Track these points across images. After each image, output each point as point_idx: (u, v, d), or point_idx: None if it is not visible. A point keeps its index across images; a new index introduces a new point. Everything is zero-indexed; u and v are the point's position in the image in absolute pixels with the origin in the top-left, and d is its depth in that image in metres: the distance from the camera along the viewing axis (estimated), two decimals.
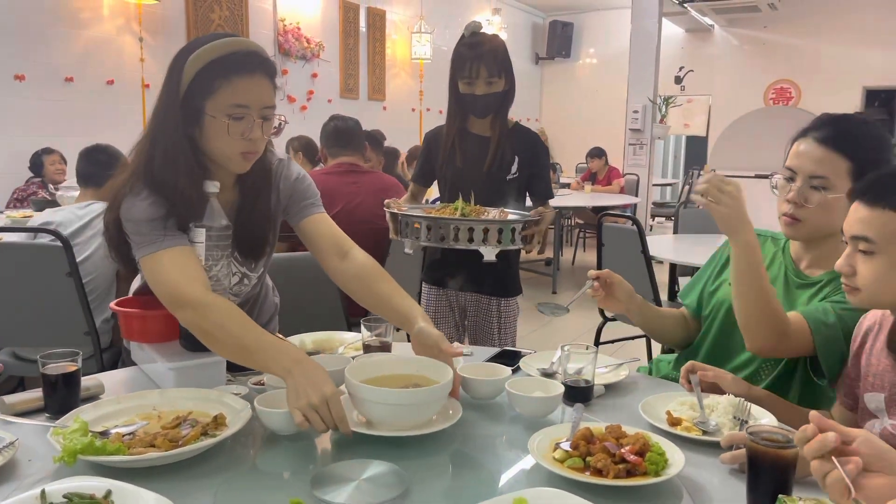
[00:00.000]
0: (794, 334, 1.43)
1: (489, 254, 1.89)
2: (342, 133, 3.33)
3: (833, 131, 1.50)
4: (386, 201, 2.08)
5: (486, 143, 2.33)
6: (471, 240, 1.87)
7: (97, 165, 3.01)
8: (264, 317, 1.85)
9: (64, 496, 0.95)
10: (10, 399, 1.33)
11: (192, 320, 1.35)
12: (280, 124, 1.50)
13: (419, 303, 3.69)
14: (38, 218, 3.01)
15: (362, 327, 1.66)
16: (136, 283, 1.75)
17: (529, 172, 2.36)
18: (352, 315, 2.61)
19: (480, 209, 1.99)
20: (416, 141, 7.91)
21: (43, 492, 0.95)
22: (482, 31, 2.29)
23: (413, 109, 9.22)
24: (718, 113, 10.61)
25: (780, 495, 0.98)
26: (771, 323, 1.43)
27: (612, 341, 4.11)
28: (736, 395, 1.36)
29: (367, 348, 1.63)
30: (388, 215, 2.05)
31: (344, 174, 3.24)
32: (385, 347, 1.63)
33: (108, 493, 0.96)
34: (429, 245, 2.02)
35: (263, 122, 1.44)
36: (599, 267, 3.87)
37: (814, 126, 1.54)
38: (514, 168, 2.33)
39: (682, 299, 1.83)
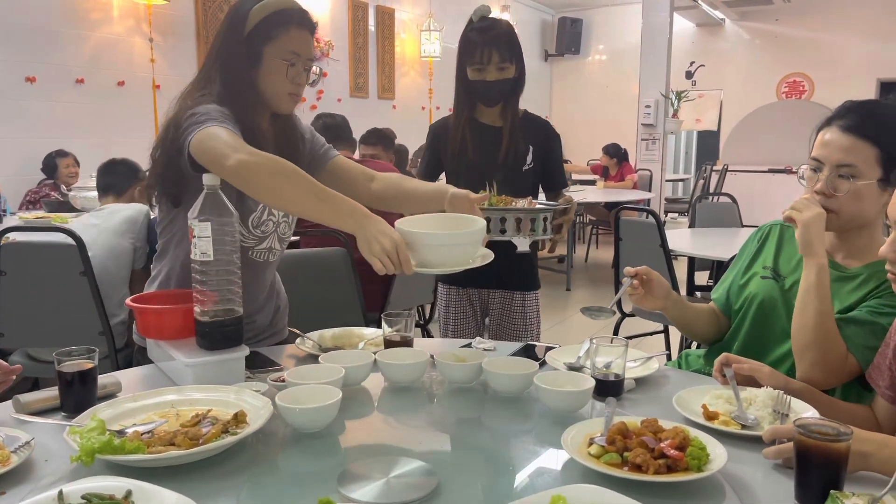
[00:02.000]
0: (844, 367, 1.41)
1: (522, 245, 1.84)
2: (331, 129, 3.34)
3: (858, 118, 1.46)
4: None
5: (498, 133, 2.25)
6: (503, 230, 1.82)
7: (117, 176, 3.13)
8: (282, 304, 1.88)
9: (83, 497, 0.91)
10: (25, 398, 1.29)
11: (256, 161, 1.37)
12: (317, 77, 1.67)
13: (435, 303, 3.67)
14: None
15: (383, 322, 1.62)
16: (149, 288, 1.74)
17: (543, 162, 2.30)
18: (369, 310, 2.58)
19: (508, 199, 1.93)
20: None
21: (60, 493, 0.91)
22: (491, 15, 2.21)
23: (423, 108, 9.19)
24: (730, 107, 10.53)
25: (831, 491, 0.94)
26: (825, 349, 1.41)
27: (631, 337, 4.05)
28: (774, 388, 1.31)
29: (388, 343, 1.59)
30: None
31: None
32: (406, 342, 1.59)
33: (129, 493, 0.93)
34: None
35: (305, 72, 1.63)
36: (617, 262, 3.83)
37: (838, 114, 1.50)
38: (529, 158, 2.26)
39: (712, 295, 1.79)
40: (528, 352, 1.63)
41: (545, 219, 1.88)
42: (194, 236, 1.37)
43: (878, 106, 1.51)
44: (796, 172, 1.58)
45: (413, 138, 7.22)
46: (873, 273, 1.48)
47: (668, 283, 1.64)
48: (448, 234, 1.43)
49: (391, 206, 1.77)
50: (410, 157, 6.36)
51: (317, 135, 1.82)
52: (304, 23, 1.62)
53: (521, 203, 1.98)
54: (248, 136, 1.50)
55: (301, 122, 1.80)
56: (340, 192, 1.43)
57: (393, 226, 1.37)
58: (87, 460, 1.02)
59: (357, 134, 4.59)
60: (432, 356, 1.48)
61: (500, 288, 2.37)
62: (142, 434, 1.12)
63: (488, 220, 1.84)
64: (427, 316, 3.71)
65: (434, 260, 1.38)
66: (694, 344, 2.85)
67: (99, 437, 1.05)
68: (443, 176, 2.39)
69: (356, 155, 4.61)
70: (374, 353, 1.48)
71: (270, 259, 1.76)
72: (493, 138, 2.26)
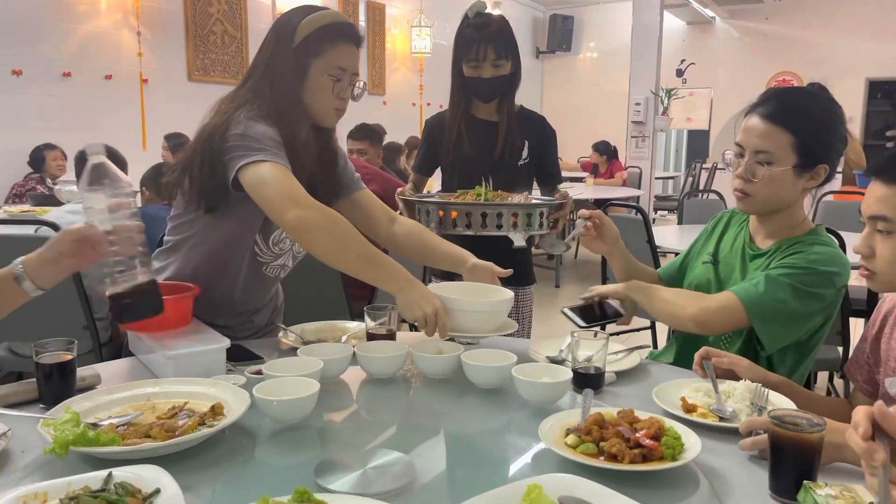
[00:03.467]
0: (722, 311, 1.51)
1: (518, 240, 1.85)
2: None
3: (776, 106, 1.51)
4: (399, 189, 2.05)
5: (494, 128, 2.26)
6: (499, 225, 1.83)
7: None
8: (279, 303, 1.89)
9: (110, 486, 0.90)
10: (3, 390, 1.28)
11: (315, 222, 1.42)
12: (360, 91, 1.66)
13: None
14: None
15: (366, 316, 1.61)
16: None
17: (539, 157, 2.31)
18: (356, 301, 2.57)
19: (504, 194, 1.94)
20: (416, 134, 7.86)
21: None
22: (486, 11, 2.22)
23: (413, 104, 9.17)
24: (720, 106, 10.57)
25: (804, 481, 0.94)
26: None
27: (618, 333, 4.06)
28: (752, 381, 1.31)
29: (371, 336, 1.58)
30: (401, 204, 2.01)
31: None
32: (390, 335, 1.58)
33: (157, 490, 0.92)
34: (452, 233, 1.96)
35: (350, 87, 1.62)
36: (604, 263, 3.83)
37: (759, 102, 1.55)
38: (525, 153, 2.27)
39: (659, 271, 1.88)
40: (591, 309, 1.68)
41: (541, 214, 1.89)
42: (86, 207, 1.28)
43: (797, 94, 1.56)
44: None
45: (403, 134, 7.22)
46: (780, 247, 1.56)
47: (617, 231, 1.73)
48: (489, 301, 1.55)
49: (408, 255, 1.80)
50: (404, 153, 6.35)
51: (349, 161, 1.82)
52: (353, 38, 1.61)
53: (517, 198, 1.99)
54: (291, 151, 1.52)
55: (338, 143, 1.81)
56: (357, 226, 1.49)
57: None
58: (62, 452, 1.01)
59: (346, 130, 4.59)
60: (411, 351, 1.48)
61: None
62: (117, 426, 1.12)
63: (484, 214, 1.86)
64: None
65: (469, 326, 1.48)
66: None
67: (73, 429, 1.04)
68: (438, 179, 2.40)
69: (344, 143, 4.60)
70: (354, 346, 1.48)
71: (282, 275, 1.77)
72: (489, 133, 2.26)
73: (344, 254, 1.45)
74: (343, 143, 4.62)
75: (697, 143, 11.65)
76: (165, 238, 1.69)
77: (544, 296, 6.19)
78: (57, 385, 1.27)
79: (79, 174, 3.12)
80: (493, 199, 1.99)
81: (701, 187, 8.13)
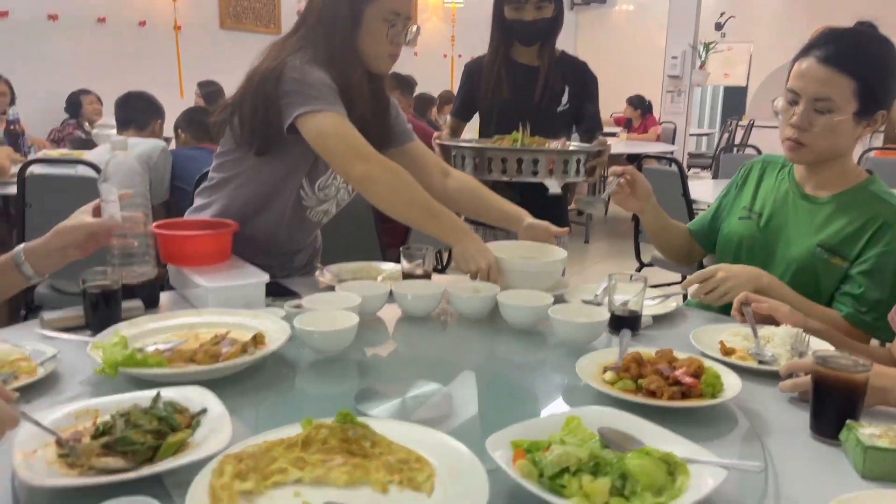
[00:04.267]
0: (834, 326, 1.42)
1: (554, 186, 1.84)
2: None
3: (837, 49, 1.42)
4: (435, 134, 2.04)
5: (534, 73, 2.23)
6: (535, 172, 1.82)
7: (135, 111, 3.14)
8: (318, 245, 1.91)
9: (157, 405, 0.93)
10: (50, 315, 1.32)
11: (380, 176, 1.46)
12: (413, 36, 1.63)
13: (443, 256, 3.67)
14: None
15: (401, 256, 1.62)
16: None
17: (579, 104, 2.27)
18: (388, 247, 2.59)
19: (541, 140, 1.92)
20: (447, 87, 7.78)
21: (158, 394, 0.95)
22: None
23: (445, 55, 9.04)
24: (760, 62, 10.24)
25: (847, 421, 0.93)
26: None
27: (655, 286, 4.04)
28: (793, 327, 1.30)
29: (407, 277, 1.59)
30: (437, 149, 2.00)
31: None
32: (425, 276, 1.59)
33: (203, 409, 0.94)
34: (488, 179, 1.95)
35: (405, 30, 1.60)
36: (637, 219, 3.79)
37: (816, 43, 1.45)
38: (565, 99, 2.24)
39: (689, 226, 1.82)
40: None
41: (578, 161, 1.86)
42: (102, 200, 1.35)
43: (858, 36, 1.47)
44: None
45: (433, 86, 7.13)
46: (842, 203, 1.49)
47: (650, 187, 1.67)
48: (540, 263, 1.55)
49: (461, 209, 1.79)
50: (435, 105, 6.29)
51: (400, 112, 1.81)
52: None
53: (554, 145, 1.97)
54: (345, 97, 1.51)
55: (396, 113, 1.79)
56: None
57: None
58: (111, 372, 1.04)
59: None
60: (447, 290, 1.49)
61: None
62: (162, 352, 1.14)
63: (520, 160, 1.84)
64: (445, 262, 3.72)
65: (520, 285, 1.47)
66: None
67: (122, 351, 1.07)
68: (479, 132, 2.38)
69: None
70: (390, 285, 1.49)
71: (324, 220, 1.78)
72: (529, 78, 2.24)
73: (407, 206, 1.48)
74: None
75: (734, 99, 11.34)
76: (210, 174, 1.70)
77: (574, 251, 6.15)
78: (103, 313, 1.30)
79: (118, 119, 3.17)
80: (530, 144, 1.96)
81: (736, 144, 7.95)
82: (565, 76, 2.24)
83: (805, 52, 1.47)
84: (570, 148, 1.94)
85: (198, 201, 1.72)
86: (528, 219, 1.69)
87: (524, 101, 2.22)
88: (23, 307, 2.69)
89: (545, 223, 1.68)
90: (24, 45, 5.02)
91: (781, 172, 1.65)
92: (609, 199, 1.71)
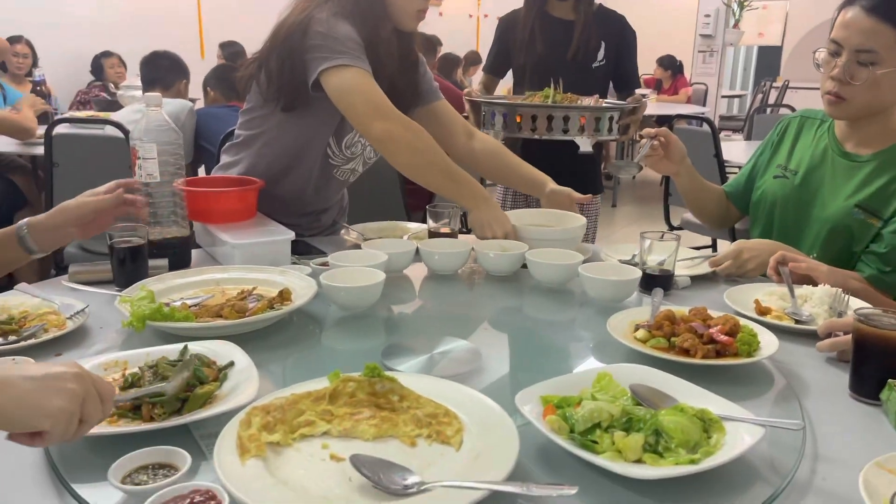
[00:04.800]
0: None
1: (585, 145, 1.79)
2: None
3: None
4: (466, 90, 2.00)
5: (570, 27, 2.18)
6: (566, 129, 1.77)
7: (160, 70, 3.13)
8: (344, 204, 1.90)
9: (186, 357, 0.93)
10: (77, 268, 1.33)
11: (400, 135, 1.43)
12: None
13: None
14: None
15: (427, 216, 1.60)
16: None
17: (616, 60, 2.21)
18: (412, 209, 2.57)
19: (573, 97, 1.87)
20: (472, 47, 7.66)
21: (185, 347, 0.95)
22: None
23: (470, 15, 8.89)
24: (796, 20, 9.89)
25: (889, 380, 0.90)
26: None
27: (697, 247, 3.99)
28: (832, 287, 1.26)
29: (432, 235, 1.57)
30: (468, 105, 1.96)
31: None
32: (450, 234, 1.57)
33: (231, 362, 0.94)
34: (517, 136, 1.91)
35: None
36: (667, 177, 3.72)
37: None
38: (601, 55, 2.18)
39: (724, 187, 1.77)
40: None
41: (611, 118, 1.81)
42: (139, 157, 1.35)
43: None
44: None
45: (458, 46, 7.03)
46: (885, 161, 1.43)
47: (685, 149, 1.63)
48: (559, 230, 1.53)
49: (484, 173, 1.80)
50: (461, 66, 6.20)
51: (428, 70, 1.77)
52: None
53: (587, 101, 1.92)
54: (372, 53, 1.48)
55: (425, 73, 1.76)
56: (434, 137, 1.48)
57: None
58: (139, 325, 1.04)
59: None
60: (473, 248, 1.47)
61: None
62: (189, 306, 1.14)
63: (550, 117, 1.80)
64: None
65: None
66: None
67: (149, 304, 1.07)
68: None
69: None
70: (416, 243, 1.47)
71: (351, 179, 1.76)
72: (564, 32, 2.19)
73: (426, 168, 1.47)
74: None
75: (768, 60, 11.00)
76: (237, 132, 1.69)
77: (602, 215, 6.08)
78: (130, 269, 1.30)
79: (143, 78, 3.16)
80: (562, 101, 1.91)
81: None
82: (602, 31, 2.18)
83: (849, 1, 1.40)
84: (603, 105, 1.88)
85: (224, 159, 1.71)
86: (551, 185, 1.66)
87: (558, 56, 2.17)
88: (52, 267, 2.73)
89: (567, 190, 1.65)
90: (48, 6, 5.01)
91: (820, 129, 1.58)
92: (642, 162, 1.66)
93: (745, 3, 7.39)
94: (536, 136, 1.91)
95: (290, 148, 1.61)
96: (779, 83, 8.82)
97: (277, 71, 1.51)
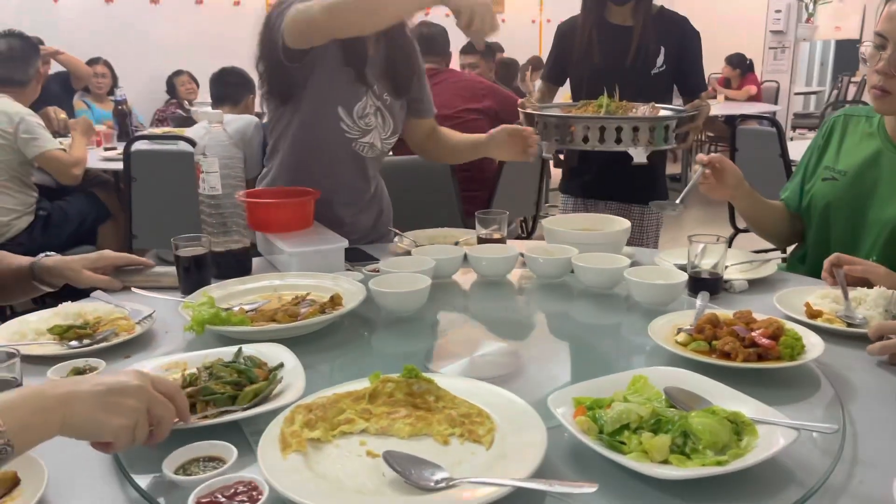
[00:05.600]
0: None
1: (639, 155, 1.73)
2: (425, 39, 3.30)
3: None
4: (520, 101, 1.99)
5: (628, 33, 2.11)
6: (619, 140, 1.72)
7: (229, 87, 3.25)
8: (385, 208, 1.95)
9: (240, 360, 0.99)
10: (140, 277, 1.42)
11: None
12: None
13: (538, 215, 3.64)
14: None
15: (477, 221, 1.63)
16: None
17: (678, 64, 2.13)
18: (467, 215, 2.60)
19: (628, 105, 1.83)
20: (535, 52, 7.65)
21: (240, 349, 1.02)
22: None
23: (533, 21, 8.87)
24: (874, 13, 9.47)
25: None
26: None
27: (756, 250, 3.88)
28: (889, 289, 1.22)
29: (482, 241, 1.60)
30: (521, 116, 1.93)
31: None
32: (499, 241, 1.59)
33: (280, 364, 1.00)
34: (570, 147, 1.89)
35: None
36: None
37: None
38: (661, 60, 2.11)
39: (781, 194, 1.70)
40: None
41: (666, 127, 1.74)
42: (202, 171, 1.43)
43: None
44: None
45: (521, 52, 7.03)
46: None
47: (740, 172, 1.55)
48: (602, 234, 1.56)
49: (441, 158, 1.96)
50: (527, 71, 6.20)
51: (426, 85, 1.86)
52: None
53: (643, 110, 1.86)
54: (353, 44, 1.58)
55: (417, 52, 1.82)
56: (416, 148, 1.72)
57: None
58: (199, 329, 1.11)
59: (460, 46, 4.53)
60: (522, 254, 1.49)
61: (623, 201, 2.27)
62: (246, 311, 1.21)
63: (602, 128, 1.75)
64: (530, 229, 3.70)
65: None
66: None
67: (209, 310, 1.14)
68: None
69: (455, 65, 4.55)
70: (465, 249, 1.50)
71: (371, 154, 1.78)
72: (623, 39, 2.12)
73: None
74: (455, 59, 4.59)
75: (846, 54, 10.54)
76: (268, 147, 1.79)
77: (668, 218, 5.95)
78: (194, 275, 1.39)
79: (213, 95, 3.31)
80: (616, 110, 1.86)
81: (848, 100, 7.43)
82: (661, 35, 2.11)
83: None
84: (660, 114, 1.81)
85: (263, 171, 1.81)
86: (486, 136, 1.73)
87: (617, 64, 2.11)
88: None
89: (507, 128, 1.72)
90: (128, 29, 5.30)
91: (867, 125, 1.53)
92: (686, 199, 1.59)
93: None
94: (588, 148, 1.83)
95: (307, 131, 1.68)
96: (857, 78, 8.45)
97: (264, 62, 1.61)
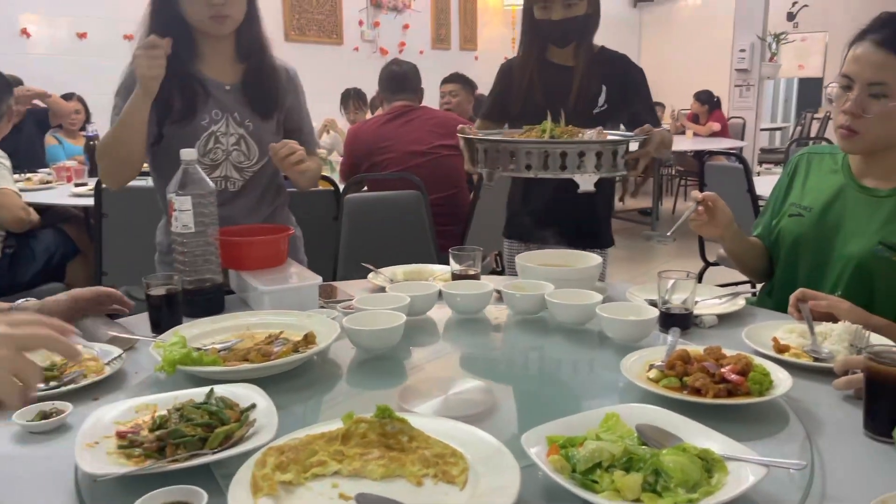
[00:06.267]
0: None
1: (586, 183, 1.65)
2: (397, 77, 3.36)
3: (893, 31, 1.36)
4: (460, 127, 1.83)
5: (569, 73, 2.07)
6: (563, 166, 1.63)
7: None
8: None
9: (208, 402, 0.98)
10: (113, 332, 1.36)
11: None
12: None
13: (502, 259, 3.64)
14: None
15: (451, 258, 1.64)
16: None
17: (622, 103, 2.09)
18: (441, 250, 2.62)
19: (574, 130, 1.75)
20: None
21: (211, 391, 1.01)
22: None
23: (505, 58, 8.95)
24: (836, 51, 9.78)
25: None
26: None
27: (723, 285, 3.93)
28: (853, 323, 1.25)
29: (455, 277, 1.61)
30: (462, 142, 1.79)
31: (398, 117, 3.23)
32: (473, 277, 1.61)
33: (252, 405, 0.99)
34: (513, 175, 1.74)
35: None
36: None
37: (872, 27, 1.40)
38: (602, 100, 2.07)
39: (752, 230, 1.73)
40: None
41: (615, 153, 1.66)
42: (175, 209, 1.43)
43: None
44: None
45: None
46: None
47: (731, 214, 1.56)
48: (573, 270, 1.58)
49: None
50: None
51: (307, 112, 1.90)
52: None
53: (590, 134, 1.76)
54: (187, 92, 1.69)
55: (296, 82, 1.86)
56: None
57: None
58: (169, 370, 1.10)
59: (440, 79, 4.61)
60: (498, 291, 1.50)
61: (568, 245, 2.05)
62: (219, 350, 1.20)
63: (546, 154, 1.62)
64: (504, 263, 3.71)
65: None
66: None
67: (180, 350, 1.13)
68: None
69: (436, 95, 4.62)
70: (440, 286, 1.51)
71: (230, 188, 1.77)
72: (563, 80, 2.07)
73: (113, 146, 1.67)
74: (436, 90, 4.66)
75: (809, 91, 10.89)
76: None
77: (639, 252, 6.04)
78: (165, 315, 1.38)
79: None
80: (561, 135, 1.73)
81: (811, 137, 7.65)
82: (603, 74, 2.07)
83: (860, 36, 1.42)
84: (608, 137, 1.70)
85: None
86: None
87: (558, 105, 1.97)
88: None
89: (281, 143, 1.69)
90: (100, 64, 5.29)
91: (831, 162, 1.58)
92: (676, 233, 1.59)
93: (782, 37, 7.35)
94: (531, 175, 1.65)
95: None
96: (820, 115, 8.72)
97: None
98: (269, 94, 1.78)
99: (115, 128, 1.66)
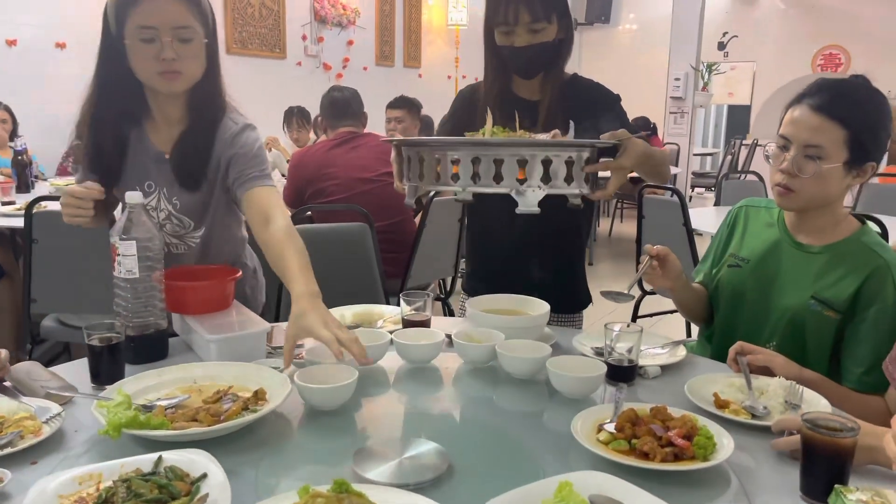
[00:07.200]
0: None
1: (527, 202, 1.29)
2: (338, 103, 3.38)
3: (829, 97, 1.45)
4: (391, 137, 1.72)
5: (535, 108, 1.76)
6: (498, 177, 1.27)
7: None
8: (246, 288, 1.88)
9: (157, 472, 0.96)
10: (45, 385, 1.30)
11: None
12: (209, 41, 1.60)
13: (456, 276, 3.63)
14: None
15: (401, 301, 1.64)
16: None
17: (595, 133, 1.59)
18: (388, 276, 2.62)
19: (524, 134, 1.45)
20: None
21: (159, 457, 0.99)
22: None
23: (449, 77, 9.11)
24: (763, 80, 10.28)
25: (836, 485, 0.95)
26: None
27: (651, 315, 4.06)
28: (787, 378, 1.31)
29: (406, 323, 1.61)
30: (392, 154, 1.52)
31: (344, 143, 3.26)
32: (424, 322, 1.61)
33: (204, 474, 0.97)
34: (437, 188, 1.44)
35: (179, 42, 1.52)
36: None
37: (809, 92, 1.48)
38: (570, 136, 1.63)
39: (694, 276, 1.78)
40: None
41: (569, 161, 1.30)
42: (118, 254, 1.40)
43: (850, 86, 1.48)
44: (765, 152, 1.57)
45: (438, 108, 7.17)
46: (835, 255, 1.50)
47: (680, 265, 1.62)
48: (522, 319, 1.58)
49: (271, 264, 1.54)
50: (436, 127, 6.34)
51: (258, 156, 1.66)
52: None
53: (542, 137, 1.44)
54: (129, 165, 1.64)
55: (244, 134, 1.66)
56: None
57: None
58: (115, 434, 1.06)
59: (385, 101, 4.61)
60: (449, 336, 1.51)
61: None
62: (166, 409, 1.17)
63: (476, 160, 1.32)
64: (447, 289, 3.74)
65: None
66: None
67: (125, 412, 1.10)
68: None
69: (381, 120, 4.63)
70: (391, 333, 1.51)
71: (174, 252, 1.75)
72: (529, 116, 1.68)
73: None
74: (382, 113, 4.66)
75: (738, 118, 11.38)
76: None
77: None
78: (107, 365, 1.33)
79: None
80: (502, 137, 1.42)
81: (740, 166, 7.97)
82: (571, 107, 1.71)
83: (798, 100, 1.50)
84: (562, 139, 1.39)
85: None
86: (301, 303, 1.36)
87: None
88: (29, 340, 2.72)
89: (314, 319, 1.31)
90: (31, 73, 5.08)
91: (767, 215, 1.66)
92: (634, 288, 1.57)
93: (714, 67, 7.66)
94: (458, 188, 1.34)
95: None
96: (748, 141, 9.11)
97: None
98: (196, 167, 1.65)
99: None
